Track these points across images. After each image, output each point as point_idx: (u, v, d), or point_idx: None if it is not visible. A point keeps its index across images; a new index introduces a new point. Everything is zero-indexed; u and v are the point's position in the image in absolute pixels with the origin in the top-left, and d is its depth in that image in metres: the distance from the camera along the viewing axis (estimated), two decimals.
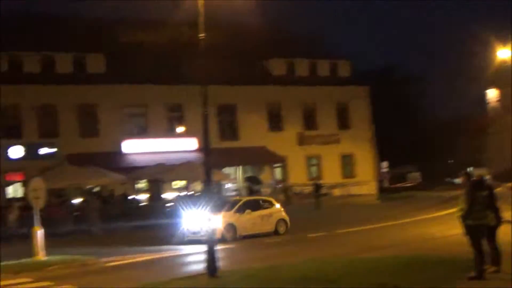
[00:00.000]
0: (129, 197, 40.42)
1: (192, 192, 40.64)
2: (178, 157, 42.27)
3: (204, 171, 17.15)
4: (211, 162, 17.42)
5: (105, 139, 44.67)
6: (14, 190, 41.82)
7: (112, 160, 43.16)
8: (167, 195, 41.66)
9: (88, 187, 39.69)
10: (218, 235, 25.61)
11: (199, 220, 26.27)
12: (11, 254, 23.86)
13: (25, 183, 39.29)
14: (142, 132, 46.72)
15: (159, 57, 45.62)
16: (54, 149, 43.04)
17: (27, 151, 42.29)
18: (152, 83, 45.69)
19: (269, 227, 28.27)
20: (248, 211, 27.88)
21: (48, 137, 43.37)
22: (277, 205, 29.54)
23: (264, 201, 30.20)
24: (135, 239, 29.64)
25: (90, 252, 24.36)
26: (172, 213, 32.25)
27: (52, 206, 32.70)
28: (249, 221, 27.75)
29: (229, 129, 49.47)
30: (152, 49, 45.32)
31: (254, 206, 28.51)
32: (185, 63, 41.04)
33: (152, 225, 33.84)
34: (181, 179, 42.57)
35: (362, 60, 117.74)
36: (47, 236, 23.22)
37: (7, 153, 41.74)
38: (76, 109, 44.54)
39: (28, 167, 40.41)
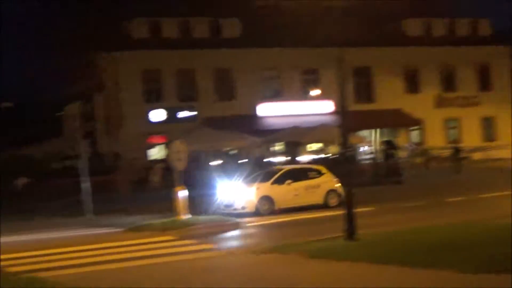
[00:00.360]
0: (265, 160, 41.01)
1: (329, 155, 40.66)
2: (313, 120, 42.37)
3: (341, 134, 17.08)
4: (347, 124, 17.29)
5: (241, 102, 45.53)
6: (156, 152, 43.59)
7: (248, 123, 43.95)
8: (303, 158, 41.94)
9: (225, 149, 40.67)
10: (250, 209, 24.65)
11: (233, 192, 25.47)
12: (157, 213, 24.92)
13: (166, 146, 40.87)
14: (277, 95, 47.14)
15: (294, 20, 45.60)
16: (193, 113, 44.38)
17: (168, 114, 43.89)
18: (287, 46, 45.84)
19: (316, 198, 25.79)
20: (288, 181, 25.62)
21: (187, 100, 44.79)
22: (328, 174, 26.59)
23: (312, 170, 27.38)
24: None
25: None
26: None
27: (192, 168, 33.62)
28: (290, 192, 25.44)
29: (365, 92, 48.95)
30: (287, 12, 45.35)
31: (298, 176, 26.11)
32: (320, 26, 40.78)
33: None
34: (317, 142, 42.76)
35: (505, 18, 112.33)
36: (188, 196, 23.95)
37: (150, 116, 43.55)
38: (213, 73, 45.62)
39: (168, 130, 41.98)
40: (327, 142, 41.30)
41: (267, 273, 12.78)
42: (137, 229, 21.84)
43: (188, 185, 26.22)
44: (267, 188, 25.23)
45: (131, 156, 39.76)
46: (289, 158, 42.25)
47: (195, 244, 18.05)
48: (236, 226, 21.83)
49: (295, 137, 40.50)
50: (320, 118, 42.71)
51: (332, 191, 25.89)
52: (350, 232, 15.46)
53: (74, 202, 29.17)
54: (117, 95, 43.61)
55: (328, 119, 42.01)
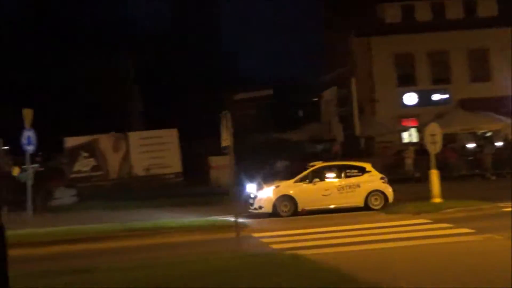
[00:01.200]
0: None
1: None
2: None
3: None
4: None
5: (497, 83, 44.10)
6: (408, 135, 43.85)
7: (505, 104, 42.47)
8: None
9: (481, 132, 39.73)
10: (267, 209, 22.74)
11: (253, 191, 23.54)
12: (410, 196, 25.09)
13: (418, 129, 40.95)
14: None
15: None
16: (446, 95, 43.90)
17: (420, 97, 43.84)
18: None
19: (353, 200, 23.07)
20: (316, 180, 23.18)
21: (440, 83, 44.41)
22: (373, 172, 23.73)
23: (353, 167, 23.88)
24: None
25: (484, 197, 24.26)
26: None
27: (447, 151, 33.39)
28: (318, 192, 23.01)
29: None
30: None
31: (332, 174, 23.50)
32: None
33: None
34: None
35: None
36: (441, 179, 23.70)
37: (402, 100, 43.84)
38: (467, 54, 44.69)
39: (421, 113, 42.13)
40: None
41: None
42: (391, 211, 22.34)
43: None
44: (288, 186, 23.15)
45: (384, 140, 40.41)
46: None
47: (452, 227, 18.05)
48: (493, 211, 21.49)
49: None
50: None
51: (376, 191, 23.35)
52: None
53: None
54: (371, 79, 44.39)
55: None
